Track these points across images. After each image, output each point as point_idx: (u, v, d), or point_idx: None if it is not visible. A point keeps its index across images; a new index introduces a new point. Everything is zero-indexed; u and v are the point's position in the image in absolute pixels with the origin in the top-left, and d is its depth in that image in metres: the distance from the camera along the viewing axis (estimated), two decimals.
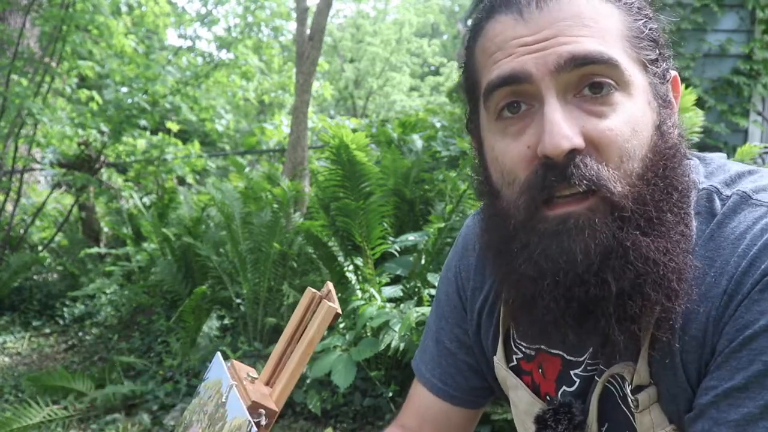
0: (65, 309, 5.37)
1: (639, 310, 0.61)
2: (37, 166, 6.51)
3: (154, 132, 6.75)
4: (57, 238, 6.13)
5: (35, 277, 5.91)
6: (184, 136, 8.30)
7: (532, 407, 0.77)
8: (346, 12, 21.32)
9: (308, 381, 3.20)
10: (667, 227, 0.62)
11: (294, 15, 6.00)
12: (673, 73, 0.71)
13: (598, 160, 0.62)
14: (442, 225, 3.14)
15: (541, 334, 0.69)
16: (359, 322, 2.88)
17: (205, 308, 3.93)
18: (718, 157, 0.76)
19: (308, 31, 4.94)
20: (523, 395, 0.78)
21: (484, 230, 0.73)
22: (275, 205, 3.94)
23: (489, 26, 0.68)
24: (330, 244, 3.44)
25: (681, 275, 0.62)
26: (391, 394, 3.07)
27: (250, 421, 0.65)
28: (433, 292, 2.97)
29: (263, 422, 0.68)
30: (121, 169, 7.07)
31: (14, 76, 5.26)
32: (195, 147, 6.72)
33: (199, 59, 6.65)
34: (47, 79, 5.52)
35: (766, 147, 3.45)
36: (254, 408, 0.68)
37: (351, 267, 3.43)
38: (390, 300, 3.12)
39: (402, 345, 2.75)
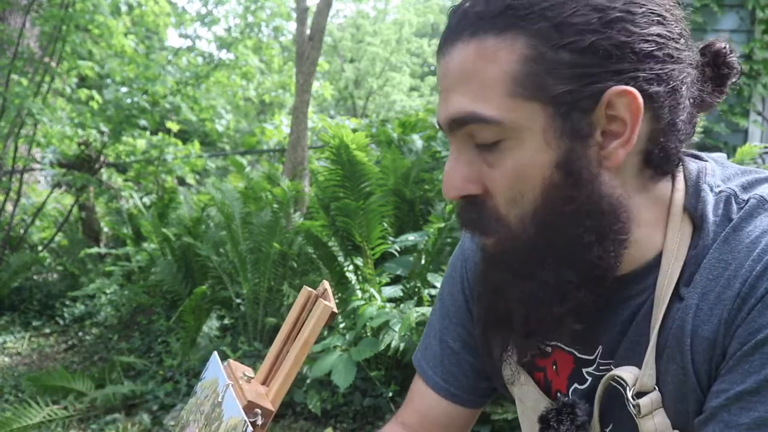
0: (65, 309, 5.37)
1: (536, 325, 0.69)
2: (37, 166, 6.51)
3: (154, 132, 6.75)
4: (57, 238, 6.13)
5: (35, 277, 5.91)
6: (184, 136, 8.30)
7: (539, 404, 0.77)
8: (346, 12, 21.33)
9: (308, 381, 3.20)
10: (546, 269, 0.66)
11: (294, 15, 6.00)
12: (618, 88, 0.61)
13: (492, 206, 0.67)
14: (442, 225, 3.14)
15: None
16: (359, 322, 2.88)
17: (205, 308, 3.93)
18: (719, 157, 0.76)
19: (308, 31, 4.94)
20: (531, 392, 0.79)
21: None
22: (275, 205, 3.94)
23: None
24: (330, 244, 3.44)
25: (551, 308, 0.67)
26: (391, 394, 3.07)
27: (246, 421, 0.65)
28: (433, 292, 2.97)
29: (259, 422, 0.68)
30: (121, 169, 7.08)
31: (14, 76, 5.26)
32: (195, 147, 6.72)
33: (199, 59, 6.65)
34: (47, 79, 5.53)
35: (766, 147, 3.45)
36: (250, 408, 0.68)
37: (351, 267, 3.43)
38: (390, 300, 3.12)
39: (402, 345, 2.75)
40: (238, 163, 5.48)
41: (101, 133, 5.73)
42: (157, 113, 5.90)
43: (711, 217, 0.66)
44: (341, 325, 3.27)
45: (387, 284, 3.27)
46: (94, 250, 5.74)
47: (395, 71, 15.94)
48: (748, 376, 0.59)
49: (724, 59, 0.70)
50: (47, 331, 5.09)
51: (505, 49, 0.62)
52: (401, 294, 3.17)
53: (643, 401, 0.66)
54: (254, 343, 3.79)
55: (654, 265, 0.68)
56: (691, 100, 0.67)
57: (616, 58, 0.61)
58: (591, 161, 0.64)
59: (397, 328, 2.73)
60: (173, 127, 6.71)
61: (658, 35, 0.62)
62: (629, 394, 0.67)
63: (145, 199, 6.22)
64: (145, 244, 5.31)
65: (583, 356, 0.75)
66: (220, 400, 0.70)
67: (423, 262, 3.19)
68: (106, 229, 6.52)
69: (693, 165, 0.71)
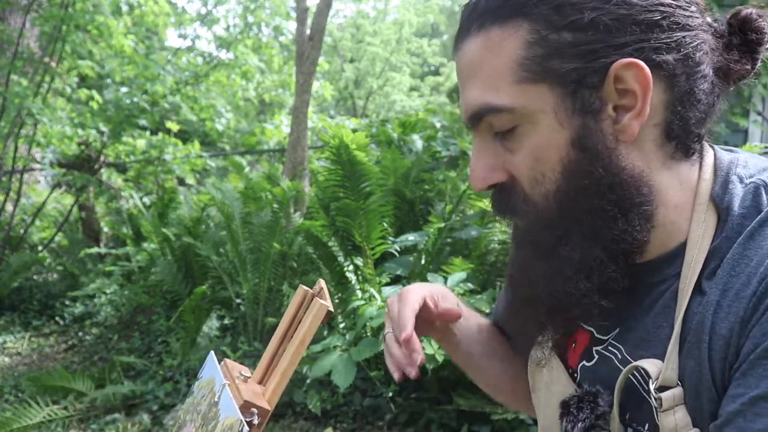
0: (65, 309, 5.37)
1: (553, 307, 0.69)
2: (37, 166, 6.51)
3: (154, 132, 6.75)
4: (57, 238, 6.13)
5: (35, 277, 5.91)
6: (184, 136, 8.30)
7: (566, 390, 0.77)
8: (346, 12, 21.33)
9: (308, 381, 3.20)
10: (583, 238, 0.67)
11: (294, 15, 6.00)
12: (624, 61, 0.62)
13: (518, 191, 0.70)
14: (442, 225, 3.14)
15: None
16: (359, 322, 2.88)
17: (205, 308, 3.93)
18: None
19: (308, 31, 4.94)
20: (561, 377, 0.79)
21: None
22: (275, 205, 3.94)
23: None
24: (330, 244, 3.44)
25: (574, 282, 0.67)
26: (391, 394, 3.07)
27: (241, 421, 0.65)
28: None
29: (255, 421, 0.68)
30: (121, 169, 7.08)
31: (14, 77, 5.26)
32: (195, 147, 6.72)
33: (199, 59, 6.65)
34: (47, 79, 5.53)
35: (766, 147, 3.45)
36: (246, 407, 0.68)
37: (351, 267, 3.43)
38: None
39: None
40: (238, 163, 5.48)
41: (101, 133, 5.73)
42: (157, 113, 5.90)
43: (737, 209, 0.65)
44: (341, 325, 3.26)
45: (387, 284, 3.27)
46: (94, 250, 5.75)
47: (395, 71, 15.94)
48: (761, 380, 0.58)
49: (752, 24, 0.69)
50: (47, 331, 5.09)
51: (509, 37, 0.65)
52: None
53: (665, 395, 0.65)
54: (254, 343, 3.79)
55: (678, 255, 0.67)
56: (714, 69, 0.67)
57: (618, 31, 0.62)
58: (606, 136, 0.65)
59: None
60: (173, 127, 6.71)
61: (661, 3, 0.63)
62: (652, 387, 0.66)
63: (145, 199, 6.22)
64: (145, 244, 5.31)
65: (598, 336, 0.76)
66: (216, 399, 0.70)
67: (423, 262, 3.19)
68: (106, 229, 6.52)
69: (726, 155, 0.71)
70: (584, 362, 0.76)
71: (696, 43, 0.65)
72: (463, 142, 3.81)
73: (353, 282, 3.37)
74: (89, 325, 5.08)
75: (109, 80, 6.16)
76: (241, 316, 4.14)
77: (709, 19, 0.68)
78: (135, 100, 5.47)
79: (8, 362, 4.38)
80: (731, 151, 0.73)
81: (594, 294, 0.67)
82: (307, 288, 0.79)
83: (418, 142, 4.18)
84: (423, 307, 0.86)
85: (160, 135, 6.51)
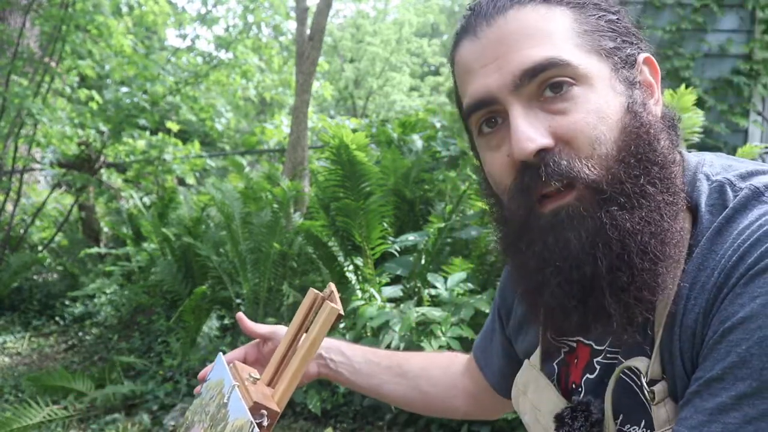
0: (65, 309, 5.37)
1: (628, 278, 0.66)
2: (37, 166, 6.51)
3: (154, 132, 6.75)
4: (57, 238, 6.13)
5: (35, 277, 5.91)
6: (184, 136, 8.29)
7: (557, 407, 0.79)
8: (346, 12, 21.30)
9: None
10: (647, 199, 0.67)
11: (294, 15, 6.00)
12: (644, 54, 0.74)
13: (570, 154, 0.67)
14: (442, 225, 3.14)
15: (550, 320, 0.75)
16: (359, 322, 2.88)
17: (205, 308, 3.93)
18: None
19: (308, 31, 4.94)
20: (550, 396, 0.80)
21: (499, 238, 0.80)
22: (275, 205, 3.94)
23: (457, 54, 0.75)
24: (330, 244, 3.44)
25: (664, 239, 0.66)
26: None
27: (252, 422, 0.65)
28: (433, 292, 2.98)
29: (265, 423, 0.69)
30: (121, 169, 7.08)
31: (14, 77, 5.26)
32: (195, 147, 6.71)
33: (199, 59, 6.65)
34: (47, 79, 5.52)
35: (766, 147, 3.45)
36: (256, 409, 0.68)
37: (351, 267, 3.43)
38: (390, 300, 3.12)
39: (402, 345, 2.75)
40: (238, 163, 5.48)
41: (101, 133, 5.72)
42: (157, 113, 5.90)
43: (704, 206, 0.68)
44: (341, 325, 3.26)
45: (387, 284, 3.27)
46: (94, 250, 5.74)
47: (395, 71, 15.94)
48: (716, 364, 0.61)
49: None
50: (47, 331, 5.09)
51: (558, 12, 0.70)
52: (401, 294, 3.18)
53: (657, 388, 0.68)
54: None
55: None
56: None
57: (631, 34, 0.73)
58: (647, 109, 0.71)
59: (397, 328, 2.73)
60: (173, 127, 6.71)
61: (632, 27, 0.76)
62: (644, 381, 0.68)
63: (145, 199, 6.22)
64: (145, 244, 5.31)
65: (597, 347, 0.78)
66: (225, 401, 0.70)
67: (423, 262, 3.19)
68: (106, 229, 6.51)
69: (693, 157, 0.75)
70: (587, 375, 0.78)
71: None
72: (463, 142, 3.81)
73: (353, 282, 3.37)
74: (89, 325, 5.08)
75: (108, 80, 6.16)
76: None
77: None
78: (135, 100, 5.47)
79: (8, 362, 4.38)
80: (698, 154, 0.78)
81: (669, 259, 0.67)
82: (317, 291, 0.79)
83: (418, 142, 4.18)
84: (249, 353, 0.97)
85: (160, 135, 6.50)
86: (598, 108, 0.67)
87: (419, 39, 16.96)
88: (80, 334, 4.96)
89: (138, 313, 4.83)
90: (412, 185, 3.80)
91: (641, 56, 0.73)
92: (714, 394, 0.61)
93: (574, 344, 0.81)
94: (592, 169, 0.66)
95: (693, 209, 0.69)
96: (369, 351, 1.07)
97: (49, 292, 5.59)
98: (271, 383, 0.75)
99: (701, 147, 3.34)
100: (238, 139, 9.66)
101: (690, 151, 0.78)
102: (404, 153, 4.08)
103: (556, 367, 0.83)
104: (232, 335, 4.07)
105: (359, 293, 3.26)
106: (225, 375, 0.74)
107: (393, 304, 3.01)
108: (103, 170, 6.29)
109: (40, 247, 6.20)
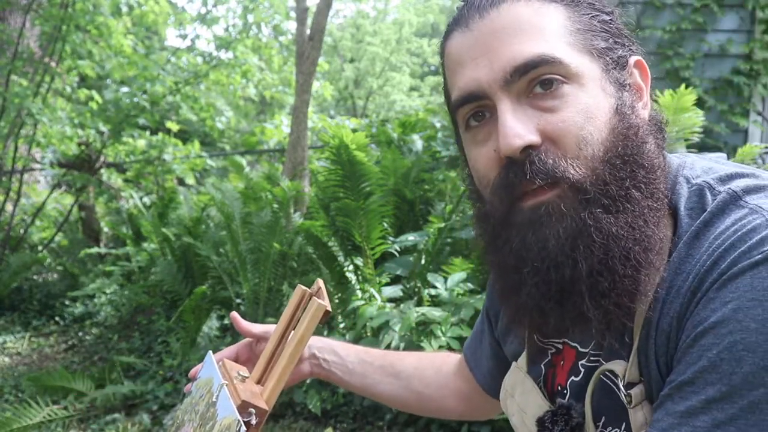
0: (65, 309, 5.37)
1: (609, 284, 0.65)
2: (37, 166, 6.51)
3: (154, 132, 6.75)
4: (57, 238, 6.13)
5: (35, 277, 5.91)
6: (184, 136, 8.29)
7: (541, 410, 0.79)
8: (346, 12, 21.30)
9: (308, 381, 3.20)
10: (632, 203, 0.66)
11: (294, 15, 6.00)
12: (635, 57, 0.74)
13: (556, 153, 0.67)
14: (442, 225, 3.14)
15: (527, 320, 0.74)
16: (359, 322, 2.88)
17: (205, 308, 3.93)
18: (717, 157, 0.78)
19: (308, 31, 4.94)
20: (535, 399, 0.80)
21: (477, 234, 0.78)
22: (275, 205, 3.93)
23: (448, 45, 0.74)
24: (330, 244, 3.44)
25: (647, 246, 0.66)
26: None
27: (239, 421, 0.65)
28: (433, 292, 2.97)
29: (253, 421, 0.68)
30: (121, 169, 7.08)
31: (14, 77, 5.26)
32: (195, 147, 6.71)
33: (199, 59, 6.65)
34: (47, 79, 5.52)
35: (766, 147, 3.45)
36: (244, 407, 0.68)
37: (351, 267, 3.43)
38: (390, 300, 3.12)
39: (402, 345, 2.75)
40: (238, 163, 5.48)
41: (101, 133, 5.72)
42: (157, 113, 5.90)
43: (683, 210, 0.68)
44: (341, 325, 3.26)
45: (387, 284, 3.27)
46: (94, 250, 5.74)
47: (395, 71, 15.94)
48: (687, 367, 0.61)
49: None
50: (47, 331, 5.08)
51: (552, 9, 0.70)
52: (401, 294, 3.17)
53: (634, 391, 0.68)
54: None
55: None
56: None
57: (624, 36, 0.73)
58: (635, 111, 0.71)
59: (397, 328, 2.73)
60: (173, 127, 6.71)
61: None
62: (621, 384, 0.69)
63: (145, 199, 6.22)
64: (145, 244, 5.31)
65: (582, 350, 0.78)
66: (214, 399, 0.70)
67: (423, 262, 3.19)
68: (106, 229, 6.52)
69: (675, 159, 0.75)
70: (573, 378, 0.78)
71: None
72: None
73: (353, 282, 3.37)
74: (89, 325, 5.08)
75: (108, 80, 6.16)
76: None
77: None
78: (135, 100, 5.47)
79: (8, 362, 4.38)
80: (680, 156, 0.78)
81: (651, 266, 0.66)
82: (305, 288, 0.79)
83: (418, 142, 4.18)
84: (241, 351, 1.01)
85: (160, 135, 6.50)
86: (587, 108, 0.67)
87: (419, 39, 16.96)
88: (80, 334, 4.96)
89: (138, 313, 4.83)
90: (412, 185, 3.80)
91: (632, 59, 0.73)
92: (684, 397, 0.61)
93: (560, 346, 0.81)
94: (578, 169, 0.66)
95: (673, 213, 0.69)
96: (362, 351, 1.07)
97: (49, 292, 5.59)
98: (260, 381, 0.75)
99: (701, 147, 3.33)
100: (238, 139, 9.66)
101: (690, 152, 0.77)
102: (404, 153, 4.07)
103: (543, 368, 0.83)
104: (232, 335, 4.07)
105: (359, 293, 3.26)
106: (214, 373, 0.74)
107: (393, 304, 3.01)
108: (103, 170, 6.29)
109: (40, 247, 6.20)
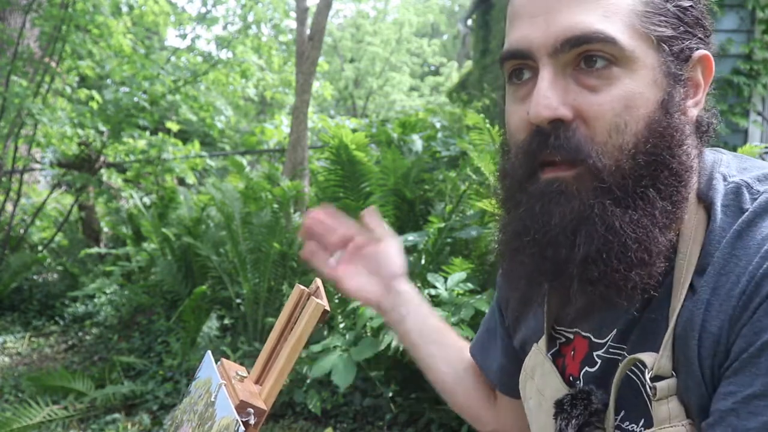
0: (65, 309, 5.37)
1: (599, 274, 0.65)
2: (37, 166, 6.51)
3: (153, 132, 6.75)
4: (57, 238, 6.13)
5: (35, 277, 5.91)
6: (184, 136, 8.30)
7: (559, 393, 0.77)
8: (346, 12, 21.31)
9: (308, 381, 3.20)
10: (645, 202, 0.64)
11: (294, 15, 6.00)
12: (702, 52, 0.70)
13: (585, 134, 0.65)
14: (442, 225, 3.14)
15: (515, 285, 0.75)
16: (359, 322, 2.88)
17: (205, 308, 3.93)
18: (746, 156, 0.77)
19: (308, 31, 4.94)
20: (553, 381, 0.79)
21: (498, 187, 0.78)
22: (275, 205, 3.94)
23: None
24: None
25: (647, 247, 0.64)
26: (391, 394, 3.07)
27: (237, 421, 0.65)
28: (433, 292, 2.97)
29: (252, 421, 0.68)
30: (121, 169, 7.08)
31: (14, 77, 5.26)
32: (195, 147, 6.71)
33: (199, 58, 6.65)
34: (47, 79, 5.53)
35: (766, 147, 3.45)
36: (242, 407, 0.68)
37: None
38: None
39: (402, 345, 2.75)
40: (238, 163, 5.48)
41: (101, 133, 5.73)
42: (157, 113, 5.90)
43: (719, 206, 0.66)
44: (341, 325, 3.26)
45: None
46: (94, 250, 5.75)
47: (395, 71, 15.95)
48: (755, 379, 0.58)
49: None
50: (47, 331, 5.09)
51: None
52: None
53: (659, 385, 0.65)
54: (254, 343, 3.78)
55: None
56: None
57: (699, 27, 0.70)
58: (683, 110, 0.68)
59: None
60: (173, 126, 6.71)
61: (704, 15, 0.72)
62: (647, 376, 0.66)
63: (145, 199, 6.22)
64: (145, 244, 5.31)
65: (596, 340, 0.76)
66: (213, 399, 0.70)
67: (423, 262, 3.19)
68: (106, 229, 6.52)
69: (710, 155, 0.73)
70: (587, 368, 0.77)
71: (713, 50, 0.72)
72: (463, 142, 3.81)
73: None
74: (89, 325, 5.08)
75: (108, 80, 6.16)
76: (241, 316, 4.14)
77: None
78: (134, 99, 5.47)
79: (8, 362, 4.38)
80: (715, 152, 0.76)
81: (655, 265, 0.65)
82: (303, 287, 0.79)
83: (418, 142, 4.18)
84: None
85: (160, 135, 6.50)
86: (631, 95, 0.64)
87: (419, 39, 16.97)
88: (80, 334, 4.96)
89: (138, 313, 4.83)
90: (412, 185, 3.80)
91: (698, 53, 0.70)
92: (755, 412, 0.57)
93: (572, 336, 0.80)
94: (601, 157, 0.64)
95: (707, 207, 0.67)
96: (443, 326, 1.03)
97: (49, 292, 5.59)
98: (258, 381, 0.75)
99: None
100: (238, 139, 9.66)
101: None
102: (404, 153, 4.08)
103: (550, 357, 0.82)
104: (232, 335, 4.07)
105: None
106: (212, 373, 0.74)
107: None
108: (103, 170, 6.29)
109: (40, 247, 6.20)
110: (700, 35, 0.70)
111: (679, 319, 0.65)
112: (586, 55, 0.64)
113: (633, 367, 0.70)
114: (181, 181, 7.15)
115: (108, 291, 5.16)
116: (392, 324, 1.01)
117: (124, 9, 6.23)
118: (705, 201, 0.68)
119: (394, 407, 3.06)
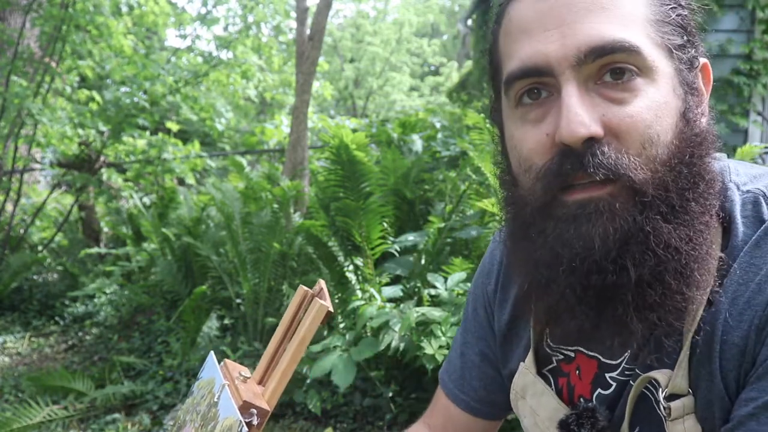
0: (65, 309, 5.37)
1: (659, 298, 0.60)
2: (37, 166, 6.51)
3: (153, 132, 6.75)
4: (57, 238, 6.13)
5: (35, 277, 5.91)
6: (184, 136, 8.29)
7: (557, 413, 0.75)
8: (346, 12, 21.31)
9: (308, 381, 3.20)
10: (690, 216, 0.61)
11: (294, 15, 6.00)
12: (703, 60, 0.70)
13: (618, 148, 0.61)
14: (442, 225, 3.14)
15: (555, 321, 0.69)
16: (359, 322, 2.88)
17: (205, 308, 3.93)
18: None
19: (308, 31, 4.94)
20: (549, 401, 0.77)
21: (506, 220, 0.73)
22: (275, 205, 3.94)
23: (512, 7, 0.68)
24: (330, 244, 3.44)
25: (703, 265, 0.61)
26: (391, 394, 3.07)
27: (240, 421, 0.65)
28: (433, 292, 2.97)
29: (255, 422, 0.68)
30: (121, 169, 7.08)
31: (14, 77, 5.26)
32: (195, 147, 6.71)
33: (199, 59, 6.65)
34: (47, 79, 5.53)
35: (766, 147, 3.45)
36: (245, 408, 0.68)
37: (351, 267, 3.43)
38: (390, 300, 3.12)
39: (402, 345, 2.75)
40: (238, 163, 5.48)
41: (101, 133, 5.73)
42: (157, 113, 5.90)
43: (739, 217, 0.64)
44: (341, 325, 3.26)
45: (387, 284, 3.27)
46: (94, 250, 5.75)
47: (395, 71, 15.95)
48: None
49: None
50: (47, 331, 5.08)
51: None
52: (401, 294, 3.17)
53: (674, 404, 0.64)
54: (254, 343, 3.78)
55: None
56: None
57: (697, 36, 0.69)
58: (698, 117, 0.66)
59: (397, 328, 2.73)
60: (173, 127, 6.71)
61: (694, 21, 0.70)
62: (661, 395, 0.65)
63: (145, 199, 6.22)
64: (145, 244, 5.31)
65: (607, 361, 0.73)
66: (216, 400, 0.70)
67: (423, 262, 3.19)
68: (106, 229, 6.52)
69: (715, 163, 0.70)
70: (600, 390, 0.74)
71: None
72: (463, 142, 3.81)
73: (353, 282, 3.37)
74: (89, 325, 5.08)
75: (109, 80, 6.16)
76: (241, 316, 4.14)
77: None
78: (135, 99, 5.47)
79: (8, 362, 4.38)
80: (718, 159, 0.74)
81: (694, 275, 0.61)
82: (306, 288, 0.79)
83: (418, 142, 4.18)
84: None
85: (160, 135, 6.50)
86: (657, 106, 0.62)
87: (419, 39, 16.97)
88: (80, 334, 4.96)
89: (138, 313, 4.82)
90: (412, 185, 3.80)
91: (702, 61, 0.69)
92: None
93: (572, 354, 0.77)
94: (638, 171, 0.60)
95: (724, 220, 0.65)
96: None
97: (49, 292, 5.59)
98: (261, 381, 0.75)
99: None
100: (238, 139, 9.66)
101: None
102: (404, 153, 4.08)
103: (549, 375, 0.79)
104: (232, 335, 4.07)
105: (359, 293, 3.26)
106: (216, 374, 0.74)
107: (393, 304, 3.01)
108: (103, 170, 6.30)
109: (40, 247, 6.20)
110: (697, 43, 0.69)
111: (696, 335, 0.63)
112: (613, 67, 0.62)
113: (648, 384, 0.68)
114: (181, 181, 7.15)
115: (108, 291, 5.16)
116: None
117: (124, 9, 6.22)
118: (719, 212, 0.66)
119: (394, 407, 3.06)
